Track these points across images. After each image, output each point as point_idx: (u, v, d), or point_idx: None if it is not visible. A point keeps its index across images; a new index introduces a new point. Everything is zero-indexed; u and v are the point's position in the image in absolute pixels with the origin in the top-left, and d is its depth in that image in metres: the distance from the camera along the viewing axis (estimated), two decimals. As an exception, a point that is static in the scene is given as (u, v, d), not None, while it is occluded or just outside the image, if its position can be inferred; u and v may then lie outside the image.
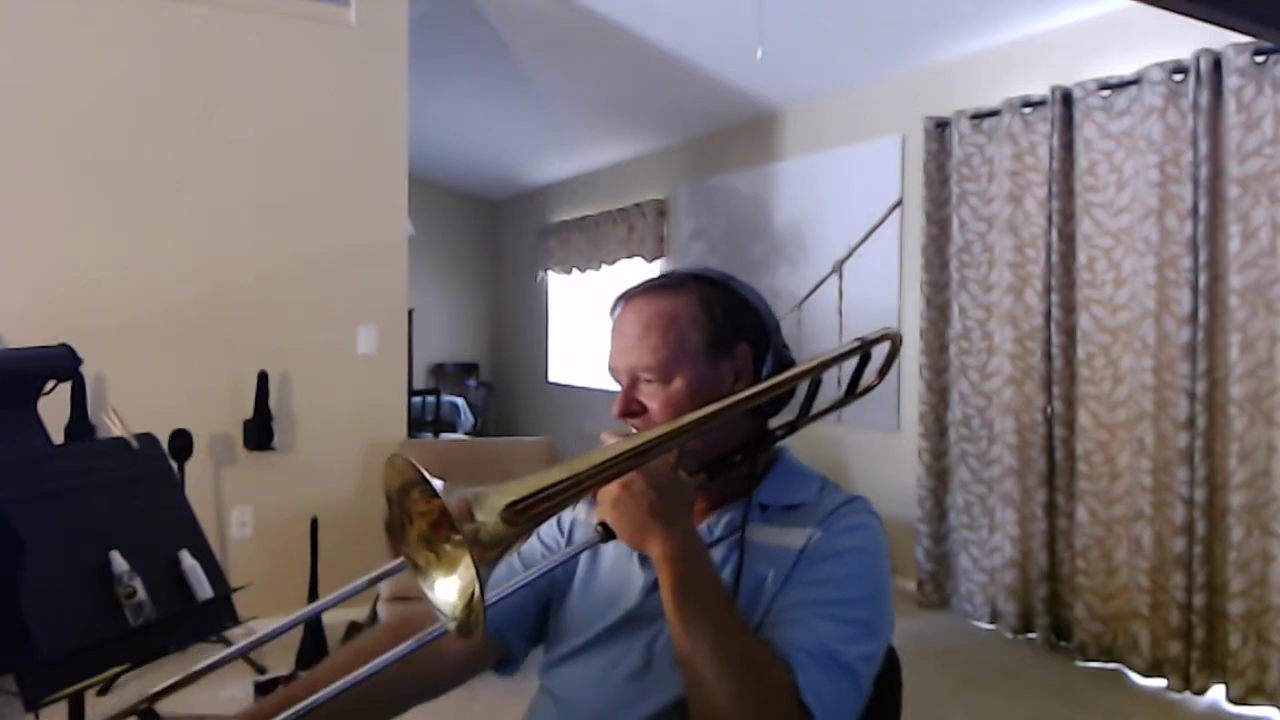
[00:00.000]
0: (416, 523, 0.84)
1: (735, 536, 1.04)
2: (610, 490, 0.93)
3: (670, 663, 0.97)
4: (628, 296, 1.12)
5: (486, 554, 0.80)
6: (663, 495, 0.93)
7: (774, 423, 1.12)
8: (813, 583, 1.00)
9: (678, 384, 1.05)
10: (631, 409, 1.06)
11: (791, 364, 1.10)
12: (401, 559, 0.87)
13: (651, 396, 1.06)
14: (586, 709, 1.06)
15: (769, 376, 1.06)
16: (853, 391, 1.13)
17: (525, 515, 0.83)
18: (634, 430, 1.05)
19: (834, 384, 1.14)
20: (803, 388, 1.07)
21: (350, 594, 0.94)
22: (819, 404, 1.11)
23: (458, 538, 0.80)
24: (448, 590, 0.84)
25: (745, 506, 1.05)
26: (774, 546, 1.04)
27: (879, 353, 1.12)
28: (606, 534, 0.95)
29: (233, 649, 0.89)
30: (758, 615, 1.00)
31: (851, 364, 1.12)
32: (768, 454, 1.11)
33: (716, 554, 1.05)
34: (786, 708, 0.89)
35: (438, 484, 0.79)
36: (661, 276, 1.13)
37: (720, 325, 1.07)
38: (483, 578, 0.79)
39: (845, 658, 0.94)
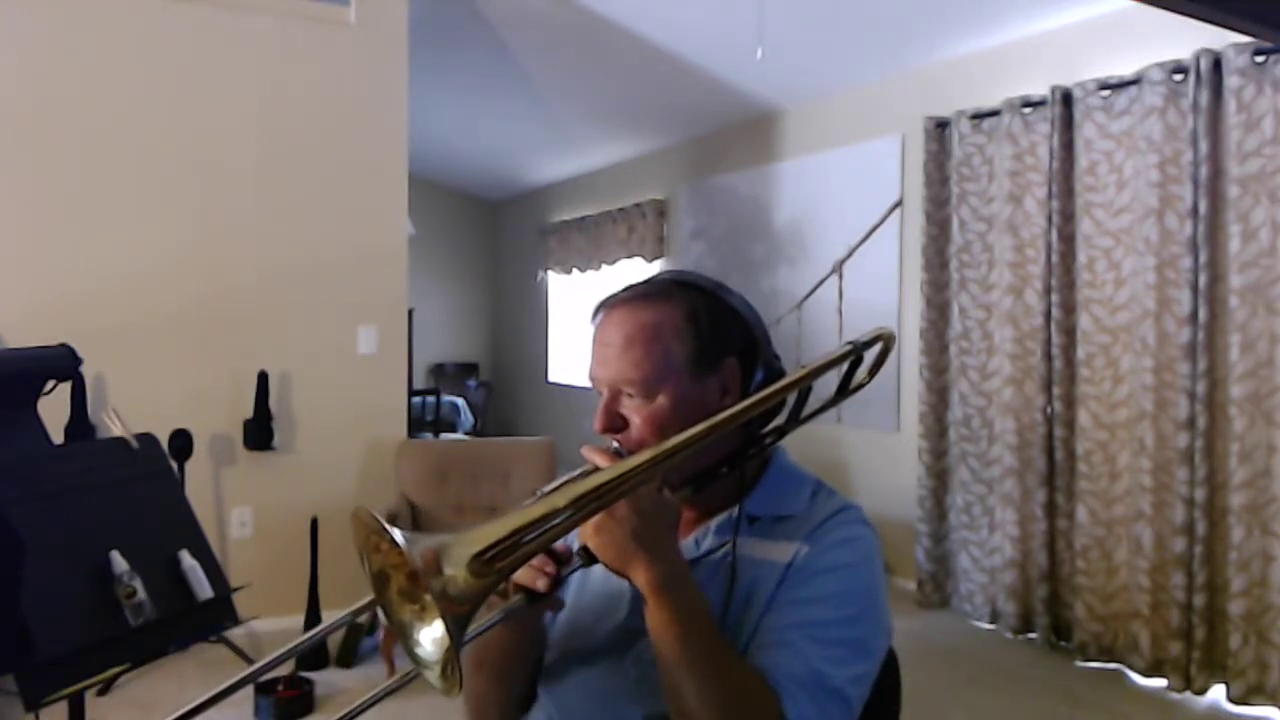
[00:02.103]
0: (394, 578, 0.81)
1: (723, 550, 1.02)
2: None
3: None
4: (610, 304, 1.07)
5: (457, 609, 0.76)
6: (646, 519, 0.89)
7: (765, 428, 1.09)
8: (800, 602, 0.97)
9: (661, 400, 1.00)
10: (613, 424, 1.02)
11: (782, 375, 1.06)
12: (372, 597, 0.83)
13: (634, 411, 1.01)
14: (583, 718, 1.06)
15: (758, 389, 1.02)
16: (844, 390, 1.10)
17: (494, 566, 0.79)
18: (615, 444, 1.01)
19: (830, 382, 1.13)
20: (793, 393, 1.05)
21: (329, 630, 0.95)
22: (812, 404, 1.08)
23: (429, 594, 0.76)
24: (430, 640, 0.79)
25: (735, 521, 1.02)
26: (762, 560, 1.01)
27: (871, 351, 1.09)
28: (588, 559, 0.93)
29: (257, 665, 0.87)
30: (745, 633, 0.98)
31: (849, 363, 1.09)
32: (760, 457, 1.08)
33: (704, 569, 1.02)
34: None
35: (400, 538, 0.75)
36: (646, 283, 1.09)
37: (706, 338, 1.03)
38: (454, 635, 0.75)
39: (835, 682, 0.92)
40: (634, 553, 0.89)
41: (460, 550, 0.77)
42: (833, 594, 0.97)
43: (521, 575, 0.92)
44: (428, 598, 0.78)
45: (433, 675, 0.80)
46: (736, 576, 0.99)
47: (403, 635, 0.81)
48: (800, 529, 1.02)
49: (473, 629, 0.87)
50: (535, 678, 1.13)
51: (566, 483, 0.89)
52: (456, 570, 0.76)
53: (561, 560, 0.94)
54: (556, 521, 0.83)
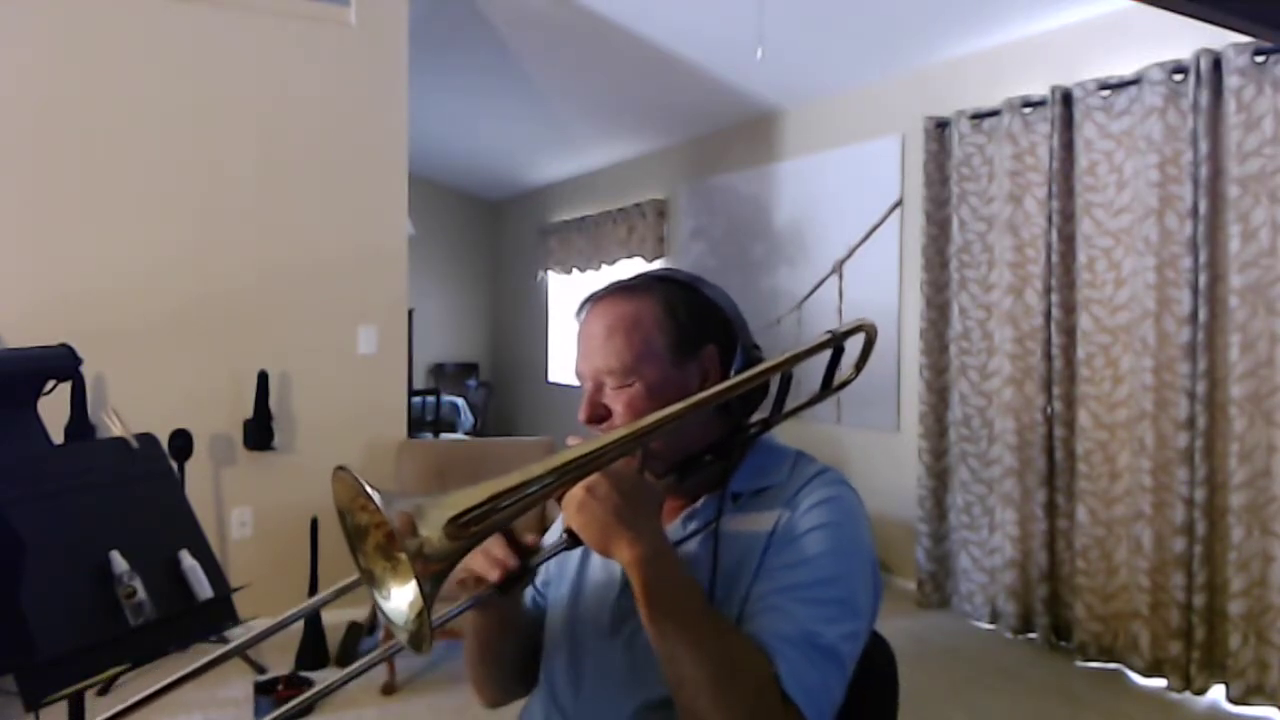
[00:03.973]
0: (373, 534, 0.83)
1: (708, 530, 1.03)
2: (574, 494, 0.91)
3: (654, 659, 0.96)
4: (594, 299, 1.11)
5: (430, 569, 0.78)
6: (627, 498, 0.91)
7: (748, 419, 1.10)
8: (785, 567, 0.98)
9: (641, 387, 1.04)
10: (597, 413, 1.05)
11: (761, 363, 1.08)
12: (359, 578, 0.86)
13: (616, 400, 1.05)
14: (579, 706, 1.07)
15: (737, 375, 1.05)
16: (828, 385, 1.11)
17: (469, 530, 0.81)
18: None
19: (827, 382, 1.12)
20: (776, 386, 1.06)
21: (322, 603, 0.96)
22: (798, 400, 1.09)
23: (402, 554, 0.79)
24: (402, 600, 0.82)
25: (719, 500, 1.04)
26: (746, 534, 1.03)
27: (855, 345, 1.10)
28: (572, 540, 0.94)
29: (228, 646, 0.89)
30: (735, 607, 0.99)
31: (831, 356, 1.10)
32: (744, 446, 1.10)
33: (689, 549, 1.04)
34: (770, 701, 0.89)
35: (377, 497, 0.77)
36: (627, 279, 1.12)
37: (684, 327, 1.06)
38: (426, 593, 0.77)
39: (826, 639, 0.93)
40: (616, 531, 0.90)
41: (436, 513, 0.80)
42: (816, 554, 0.98)
43: (478, 564, 0.94)
44: (400, 556, 0.81)
45: (402, 634, 0.82)
46: (720, 550, 1.01)
47: (375, 586, 0.84)
48: (780, 497, 1.04)
49: (444, 611, 0.90)
50: (534, 654, 1.17)
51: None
52: (431, 532, 0.79)
53: (527, 553, 0.95)
54: (532, 490, 0.86)
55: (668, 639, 0.90)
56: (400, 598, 0.82)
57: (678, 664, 0.89)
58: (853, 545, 1.01)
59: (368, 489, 0.78)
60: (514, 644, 1.14)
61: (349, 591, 0.92)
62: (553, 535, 1.21)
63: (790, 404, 1.10)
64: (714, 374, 1.07)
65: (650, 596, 0.90)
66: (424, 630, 0.79)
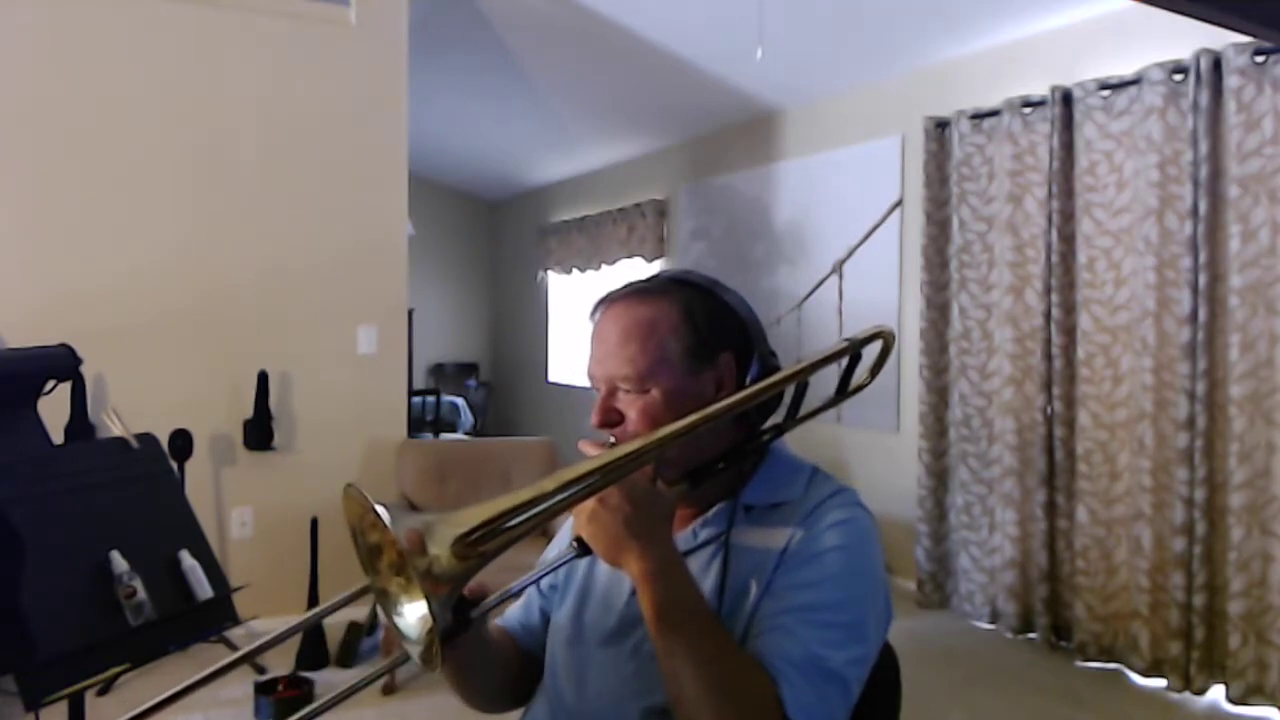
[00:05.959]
0: (387, 551, 0.82)
1: (719, 541, 1.02)
2: (586, 504, 0.90)
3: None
4: (608, 301, 1.09)
5: (439, 588, 0.77)
6: (639, 509, 0.90)
7: (763, 425, 1.09)
8: (795, 587, 0.97)
9: (656, 394, 1.02)
10: (610, 418, 1.03)
11: (778, 371, 1.07)
12: (367, 584, 0.85)
13: (630, 405, 1.03)
14: (583, 709, 1.07)
15: (754, 384, 1.03)
16: (844, 389, 1.10)
17: (478, 549, 0.80)
18: (612, 440, 1.02)
19: (831, 383, 1.13)
20: (791, 390, 1.05)
21: (328, 611, 0.93)
22: (812, 404, 1.09)
23: (410, 573, 0.78)
24: (414, 616, 0.81)
25: (730, 511, 1.03)
26: (757, 548, 1.01)
27: (871, 350, 1.09)
28: (582, 549, 0.93)
29: (237, 654, 0.88)
30: (742, 622, 0.98)
31: (847, 361, 1.09)
32: (758, 452, 1.09)
33: (700, 559, 1.03)
34: None
35: (385, 515, 0.76)
36: (643, 281, 1.10)
37: (702, 333, 1.04)
38: (435, 614, 0.76)
39: (832, 664, 0.92)
40: (627, 542, 0.90)
41: (445, 531, 0.79)
42: (827, 577, 0.97)
43: None
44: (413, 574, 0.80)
45: (414, 650, 0.82)
46: (730, 564, 1.00)
47: (388, 605, 0.83)
48: (795, 514, 1.03)
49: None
50: (519, 674, 1.16)
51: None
52: (440, 550, 0.78)
53: (466, 605, 0.90)
54: (543, 506, 0.84)
55: (672, 654, 0.89)
56: (412, 614, 0.82)
57: (679, 679, 0.89)
58: (865, 570, 0.99)
59: (376, 507, 0.77)
60: (490, 672, 1.12)
61: (355, 600, 0.91)
62: (559, 544, 1.21)
63: (802, 409, 1.09)
64: (729, 382, 1.05)
65: (657, 611, 0.89)
66: (434, 648, 0.78)
